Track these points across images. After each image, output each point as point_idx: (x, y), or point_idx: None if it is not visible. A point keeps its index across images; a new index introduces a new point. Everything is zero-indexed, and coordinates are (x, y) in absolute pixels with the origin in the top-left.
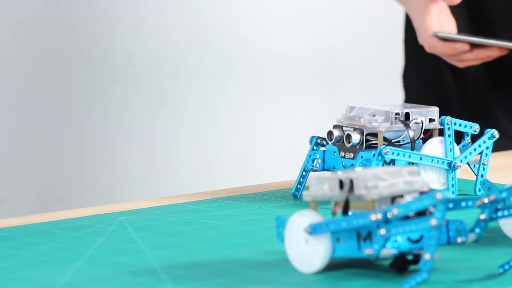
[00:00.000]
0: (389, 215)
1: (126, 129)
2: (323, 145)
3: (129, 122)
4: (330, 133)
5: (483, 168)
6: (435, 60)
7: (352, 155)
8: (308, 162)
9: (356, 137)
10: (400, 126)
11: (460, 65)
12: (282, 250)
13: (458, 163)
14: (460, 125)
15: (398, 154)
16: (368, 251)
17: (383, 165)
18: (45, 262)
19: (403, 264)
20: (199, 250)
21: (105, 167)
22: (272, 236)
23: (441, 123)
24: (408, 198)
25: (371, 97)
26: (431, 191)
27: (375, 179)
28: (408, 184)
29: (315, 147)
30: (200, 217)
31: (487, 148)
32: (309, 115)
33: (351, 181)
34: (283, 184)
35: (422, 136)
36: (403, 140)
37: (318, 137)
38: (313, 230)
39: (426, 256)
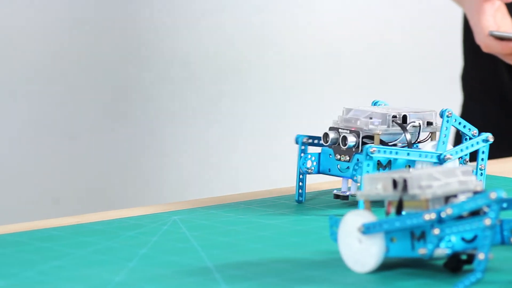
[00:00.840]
0: (443, 214)
1: (181, 128)
2: (310, 144)
3: (183, 121)
4: (325, 135)
5: (481, 173)
6: (493, 60)
7: (348, 158)
8: (303, 164)
9: (352, 140)
10: (397, 129)
11: None
12: (336, 250)
13: (448, 156)
14: (460, 123)
15: (384, 152)
16: (422, 250)
17: (378, 168)
18: (99, 261)
19: (457, 264)
20: (252, 250)
21: (159, 166)
22: (325, 236)
23: (441, 115)
24: (462, 197)
25: (430, 98)
26: (485, 190)
27: (429, 179)
28: (462, 183)
29: (303, 147)
30: (254, 216)
31: (483, 152)
32: None
33: (405, 181)
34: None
35: (419, 140)
36: (400, 143)
37: (305, 136)
38: (367, 229)
39: (480, 256)
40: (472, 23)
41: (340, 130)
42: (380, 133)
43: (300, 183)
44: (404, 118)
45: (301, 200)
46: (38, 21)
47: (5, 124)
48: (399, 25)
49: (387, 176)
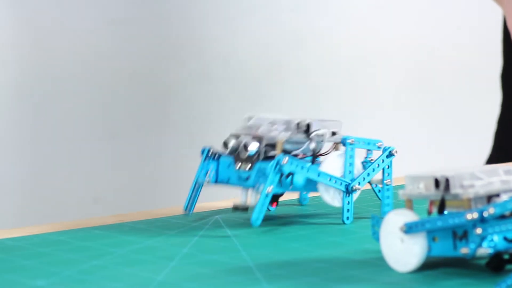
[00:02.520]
0: (485, 214)
1: (221, 127)
2: (215, 157)
3: (223, 121)
4: (226, 143)
5: (387, 189)
6: None
7: (249, 167)
8: (200, 174)
9: (253, 147)
10: (301, 137)
11: None
12: (377, 249)
13: (356, 186)
14: (363, 143)
15: (296, 165)
16: (464, 250)
17: (280, 179)
18: (141, 260)
19: (499, 263)
20: (293, 249)
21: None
22: (367, 235)
23: (343, 143)
24: (504, 197)
25: (470, 97)
26: None
27: (471, 178)
28: (504, 183)
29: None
30: (295, 215)
31: (388, 167)
32: (406, 113)
33: (447, 180)
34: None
35: (323, 152)
36: (303, 153)
37: (210, 148)
38: (409, 229)
39: None
40: (509, 23)
41: (241, 137)
42: (283, 140)
43: (193, 194)
44: (308, 126)
45: (190, 211)
46: (86, 21)
47: (46, 124)
48: (439, 26)
49: (429, 175)
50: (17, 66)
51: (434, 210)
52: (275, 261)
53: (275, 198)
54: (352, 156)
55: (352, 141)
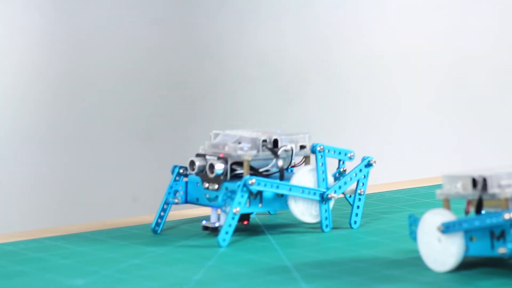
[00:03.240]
0: None
1: (254, 126)
2: (186, 175)
3: (256, 120)
4: (192, 163)
5: (359, 198)
6: None
7: (217, 186)
8: (169, 194)
9: (219, 167)
10: (268, 154)
11: None
12: (415, 249)
13: (332, 194)
14: (334, 152)
15: (265, 185)
16: (501, 250)
17: (249, 197)
18: (178, 260)
19: None
20: (331, 248)
21: None
22: (404, 235)
23: (313, 151)
24: None
25: (507, 99)
26: None
27: (509, 178)
28: None
29: (177, 178)
30: (334, 215)
31: (364, 177)
32: (444, 117)
33: (485, 180)
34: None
35: (294, 163)
36: (272, 169)
37: (181, 167)
38: (446, 229)
39: None
40: None
41: (207, 156)
42: (250, 159)
43: (162, 213)
44: (275, 142)
45: (157, 230)
46: (123, 22)
47: (85, 124)
48: (473, 26)
49: (466, 175)
50: (55, 68)
51: (472, 209)
52: (313, 261)
53: (245, 216)
54: (324, 164)
55: (321, 148)
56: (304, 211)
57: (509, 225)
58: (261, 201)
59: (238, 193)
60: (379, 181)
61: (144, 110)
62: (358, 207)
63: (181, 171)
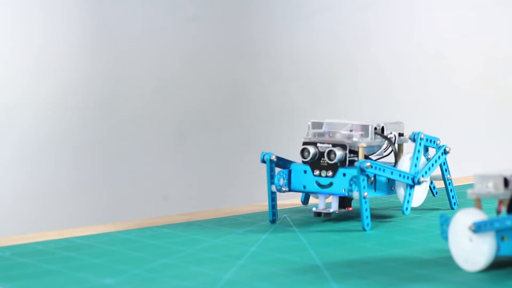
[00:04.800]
0: None
1: (286, 126)
2: (273, 162)
3: (289, 120)
4: (306, 151)
5: (449, 183)
6: None
7: (331, 173)
8: (277, 182)
9: (340, 154)
10: (378, 141)
11: None
12: (446, 248)
13: (422, 178)
14: (428, 140)
15: (376, 168)
16: None
17: (367, 181)
18: (209, 259)
19: None
20: (361, 248)
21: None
22: (435, 234)
23: (413, 138)
24: None
25: None
26: None
27: None
28: None
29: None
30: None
31: (444, 164)
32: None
33: None
34: None
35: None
36: (381, 155)
37: (271, 154)
38: (478, 228)
39: None
40: None
41: (318, 144)
42: (365, 145)
43: (272, 203)
44: (382, 129)
45: (275, 219)
46: (153, 20)
47: (116, 122)
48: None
49: (498, 174)
50: (86, 66)
51: (503, 209)
52: (344, 260)
53: (348, 202)
54: (420, 151)
55: (423, 136)
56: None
57: None
58: (375, 186)
59: (359, 177)
60: None
61: (176, 108)
62: (451, 190)
63: (272, 158)
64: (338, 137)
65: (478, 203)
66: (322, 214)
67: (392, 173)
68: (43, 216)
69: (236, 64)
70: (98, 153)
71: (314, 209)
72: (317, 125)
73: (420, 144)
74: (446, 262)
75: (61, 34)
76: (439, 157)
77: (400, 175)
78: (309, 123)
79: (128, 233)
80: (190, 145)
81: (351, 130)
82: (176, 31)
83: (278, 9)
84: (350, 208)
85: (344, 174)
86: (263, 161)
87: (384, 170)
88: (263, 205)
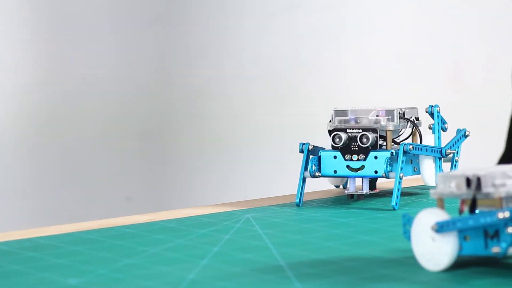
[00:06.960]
0: None
1: (253, 128)
2: (310, 151)
3: (256, 121)
4: (337, 136)
5: (455, 165)
6: None
7: (364, 157)
8: (311, 168)
9: (373, 138)
10: (403, 125)
11: None
12: (409, 248)
13: (449, 150)
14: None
15: (416, 149)
16: (495, 249)
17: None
18: (172, 259)
19: None
20: (325, 248)
21: (232, 165)
22: (398, 234)
23: (431, 112)
24: None
25: None
26: None
27: (503, 177)
28: None
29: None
30: (327, 214)
31: (459, 147)
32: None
33: (479, 179)
34: None
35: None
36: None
37: (309, 144)
38: (440, 228)
39: None
40: None
41: (348, 130)
42: (393, 129)
43: (301, 188)
44: (403, 114)
45: (300, 204)
46: (117, 21)
47: (77, 124)
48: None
49: (461, 174)
50: (46, 65)
51: (466, 209)
52: (307, 260)
53: (375, 185)
54: (439, 124)
55: (439, 109)
56: (432, 175)
57: (503, 225)
58: (414, 167)
59: (399, 159)
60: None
61: (139, 110)
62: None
63: (310, 148)
64: (366, 122)
65: (440, 203)
66: (355, 196)
67: (426, 150)
68: (5, 216)
69: (200, 64)
70: (60, 153)
71: (346, 191)
72: (340, 113)
73: (438, 116)
74: (410, 261)
75: (21, 32)
76: (460, 138)
77: (427, 150)
78: (332, 111)
79: (91, 233)
80: (153, 145)
81: (377, 116)
82: (140, 31)
83: (241, 8)
84: (377, 190)
85: (375, 157)
86: (301, 151)
87: (420, 149)
88: (226, 204)
